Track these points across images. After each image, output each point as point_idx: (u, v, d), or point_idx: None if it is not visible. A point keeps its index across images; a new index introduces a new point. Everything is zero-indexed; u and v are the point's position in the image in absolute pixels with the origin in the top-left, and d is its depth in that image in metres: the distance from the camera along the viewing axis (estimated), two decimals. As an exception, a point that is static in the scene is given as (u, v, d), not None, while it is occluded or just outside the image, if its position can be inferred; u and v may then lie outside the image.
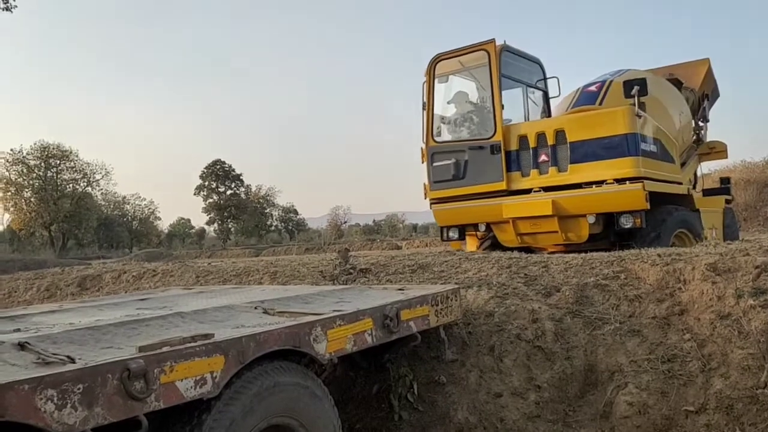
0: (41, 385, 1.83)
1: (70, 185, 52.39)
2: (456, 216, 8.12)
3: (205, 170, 64.09)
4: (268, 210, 68.57)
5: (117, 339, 2.55)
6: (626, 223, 6.84)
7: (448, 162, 7.87)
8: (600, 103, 8.23)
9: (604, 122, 7.02)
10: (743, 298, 3.62)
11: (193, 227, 73.45)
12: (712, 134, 11.15)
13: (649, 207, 6.74)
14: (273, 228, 70.15)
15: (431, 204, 8.25)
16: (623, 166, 6.81)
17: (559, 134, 7.21)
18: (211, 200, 64.18)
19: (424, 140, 8.13)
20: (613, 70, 9.46)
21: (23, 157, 49.38)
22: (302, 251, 32.71)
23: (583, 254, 4.89)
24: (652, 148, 7.28)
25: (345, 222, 67.08)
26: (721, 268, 3.90)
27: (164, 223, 70.93)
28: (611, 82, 8.55)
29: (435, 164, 8.01)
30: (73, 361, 2.12)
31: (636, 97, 6.90)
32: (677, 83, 10.36)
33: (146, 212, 65.51)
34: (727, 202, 10.49)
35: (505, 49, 7.91)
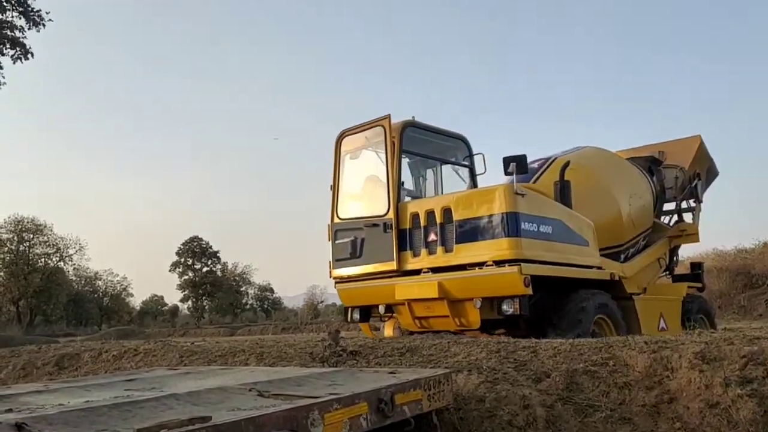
0: (45, 469, 1.80)
1: (42, 259, 51.51)
2: (356, 296, 7.79)
3: (182, 247, 63.63)
4: (243, 288, 67.76)
5: (112, 421, 2.51)
6: (508, 309, 6.42)
7: (347, 240, 7.62)
8: (535, 181, 8.15)
9: (484, 200, 6.71)
10: (731, 387, 3.67)
11: (165, 304, 72.03)
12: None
13: (530, 292, 6.36)
14: (248, 306, 69.08)
15: (335, 284, 7.94)
16: (500, 247, 6.45)
17: (447, 212, 6.91)
18: (186, 277, 63.37)
19: (330, 217, 7.92)
20: (574, 146, 9.50)
21: (-4, 230, 48.70)
22: (279, 331, 32.16)
23: (570, 340, 4.92)
24: (545, 228, 6.87)
25: (321, 301, 66.40)
26: (708, 356, 3.96)
27: (136, 300, 69.52)
28: (554, 159, 8.51)
29: (337, 242, 7.75)
30: (71, 443, 2.09)
31: (514, 174, 6.58)
32: (655, 162, 10.25)
33: (118, 288, 64.33)
34: (699, 290, 10.10)
35: (410, 125, 7.72)
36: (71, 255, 53.29)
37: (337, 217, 7.85)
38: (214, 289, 63.40)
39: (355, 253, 7.52)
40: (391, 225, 7.17)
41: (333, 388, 3.43)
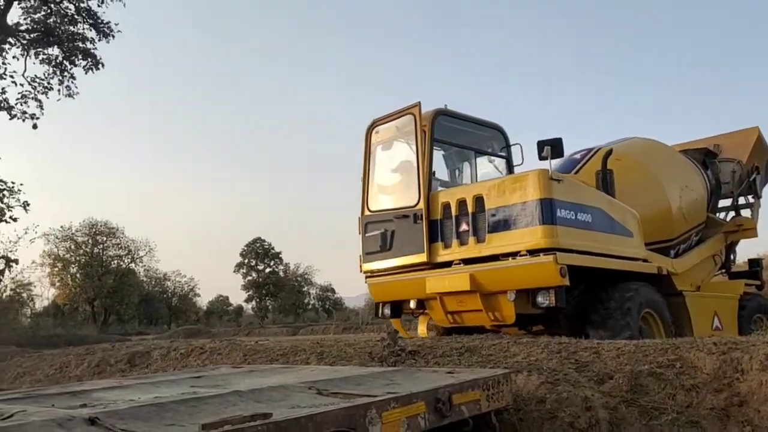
0: (116, 460, 1.90)
1: (115, 261, 53.63)
2: (387, 291, 7.48)
3: (246, 248, 65.02)
4: (305, 288, 68.71)
5: (179, 416, 2.61)
6: (543, 301, 6.09)
7: (377, 232, 7.34)
8: (577, 172, 7.94)
9: (518, 187, 6.36)
10: (806, 391, 3.51)
11: (231, 305, 73.83)
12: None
13: (567, 283, 6.01)
14: (310, 307, 70.01)
15: (366, 278, 7.68)
16: (534, 236, 6.12)
17: (479, 201, 6.62)
18: (250, 278, 64.73)
19: (361, 209, 7.69)
20: (623, 137, 9.16)
21: (72, 233, 51.03)
22: (340, 330, 32.50)
23: (635, 341, 4.80)
24: (584, 216, 6.52)
25: (382, 302, 66.55)
26: (781, 358, 3.80)
27: (203, 300, 71.49)
28: (598, 149, 8.27)
29: (367, 234, 7.50)
30: (140, 437, 2.20)
31: (549, 159, 6.25)
32: (709, 155, 9.80)
33: (186, 289, 66.32)
34: (758, 288, 9.66)
35: (442, 113, 7.46)
36: (142, 257, 55.35)
37: (368, 209, 7.62)
38: (277, 289, 64.53)
39: (385, 246, 7.26)
40: (422, 216, 6.88)
41: (391, 388, 3.46)
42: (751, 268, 10.08)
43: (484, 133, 8.21)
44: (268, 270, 65.64)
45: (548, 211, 6.14)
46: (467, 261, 6.63)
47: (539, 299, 6.14)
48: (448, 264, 6.80)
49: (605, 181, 7.21)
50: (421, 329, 7.81)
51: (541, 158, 6.34)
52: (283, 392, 3.20)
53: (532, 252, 6.15)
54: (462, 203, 6.77)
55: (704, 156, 9.74)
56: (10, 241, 18.53)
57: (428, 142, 7.17)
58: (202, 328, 39.82)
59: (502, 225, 6.40)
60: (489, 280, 6.42)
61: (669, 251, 8.34)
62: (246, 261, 65.03)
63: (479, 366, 4.68)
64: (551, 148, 6.26)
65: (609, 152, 7.45)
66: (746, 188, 10.03)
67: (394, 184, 7.75)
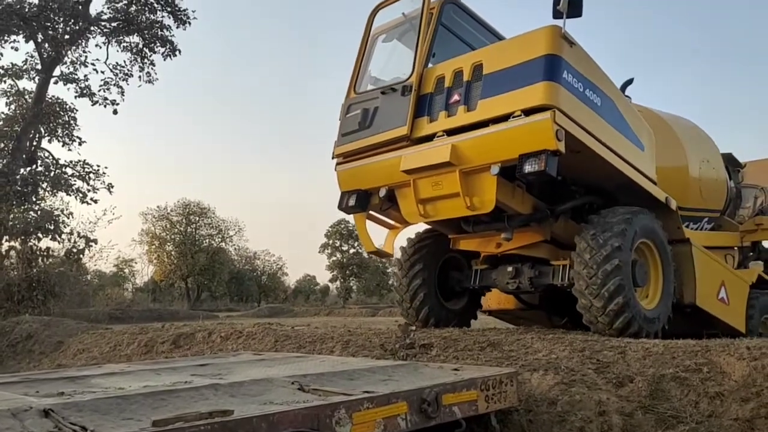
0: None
1: (207, 240, 56.07)
2: (356, 177, 6.58)
3: (330, 229, 66.26)
4: (390, 270, 69.29)
5: (141, 410, 2.63)
6: (531, 168, 5.14)
7: (358, 111, 6.49)
8: None
9: (525, 46, 5.54)
10: (844, 405, 3.14)
11: (317, 284, 75.63)
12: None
13: (562, 149, 5.11)
14: (394, 288, 70.56)
15: (336, 165, 6.80)
16: (534, 93, 5.23)
17: (477, 69, 5.78)
18: (334, 258, 65.97)
19: (347, 93, 6.81)
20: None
21: (167, 213, 53.82)
22: (417, 313, 32.52)
23: (665, 341, 4.46)
24: (592, 96, 5.70)
25: (465, 284, 66.17)
26: (820, 367, 3.42)
27: (291, 279, 73.51)
28: None
29: (347, 116, 6.65)
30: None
31: (565, 16, 5.36)
32: (732, 162, 9.23)
33: (274, 268, 68.40)
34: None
35: (452, 2, 6.62)
36: (231, 236, 57.59)
37: (354, 92, 6.76)
38: (361, 270, 65.44)
39: (365, 123, 6.39)
40: (411, 87, 6.07)
41: (384, 384, 3.37)
42: None
43: (491, 41, 7.27)
44: (352, 251, 66.64)
45: (554, 68, 5.33)
46: (452, 132, 5.80)
47: (526, 167, 5.22)
48: (430, 139, 5.97)
49: None
50: (388, 245, 7.09)
51: (556, 13, 5.43)
52: (264, 386, 3.17)
53: (528, 112, 5.29)
54: (458, 74, 5.94)
55: (727, 162, 9.06)
56: (89, 222, 19.83)
57: (434, 22, 6.39)
58: (285, 307, 41.04)
59: (498, 88, 5.57)
60: (473, 150, 5.58)
61: None
62: (330, 242, 66.27)
63: (497, 363, 4.51)
64: (569, 1, 5.34)
65: (630, 81, 6.99)
66: None
67: (389, 69, 6.95)
